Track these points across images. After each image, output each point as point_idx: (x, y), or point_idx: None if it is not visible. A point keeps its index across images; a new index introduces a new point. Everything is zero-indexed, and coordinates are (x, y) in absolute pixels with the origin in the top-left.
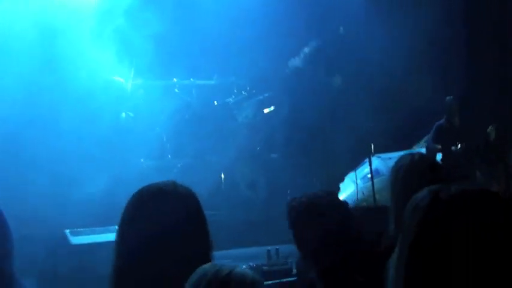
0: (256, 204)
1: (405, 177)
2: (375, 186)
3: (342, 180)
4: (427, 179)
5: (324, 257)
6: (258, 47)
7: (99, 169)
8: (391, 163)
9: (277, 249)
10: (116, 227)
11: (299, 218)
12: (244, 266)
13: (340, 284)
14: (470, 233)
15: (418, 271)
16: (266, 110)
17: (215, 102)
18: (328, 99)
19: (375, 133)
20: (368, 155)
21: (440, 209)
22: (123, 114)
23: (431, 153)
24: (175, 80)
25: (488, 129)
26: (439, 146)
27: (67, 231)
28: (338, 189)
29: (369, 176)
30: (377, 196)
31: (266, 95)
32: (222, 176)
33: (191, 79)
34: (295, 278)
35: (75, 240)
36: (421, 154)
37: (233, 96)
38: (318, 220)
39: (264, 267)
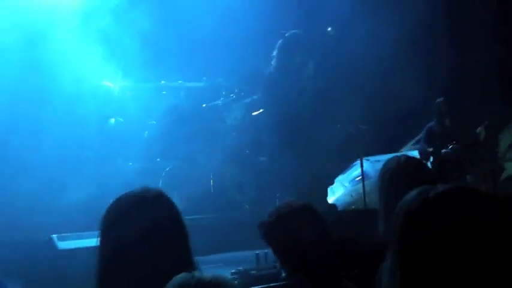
0: (245, 207)
1: (392, 180)
2: (364, 189)
3: (330, 181)
4: (414, 181)
5: (305, 266)
6: (246, 47)
7: (86, 173)
8: (380, 166)
9: (266, 252)
10: None
11: (277, 229)
12: (232, 271)
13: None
14: (462, 233)
15: (413, 274)
16: (255, 113)
17: (204, 105)
18: (314, 100)
19: (367, 136)
20: (360, 157)
21: (430, 209)
22: (112, 119)
23: (424, 155)
24: (163, 82)
25: (478, 129)
26: (431, 149)
27: (54, 236)
28: (325, 190)
29: (357, 179)
30: (366, 199)
31: (255, 97)
32: (211, 178)
33: (179, 81)
34: (284, 283)
35: (62, 245)
36: (407, 156)
37: (222, 99)
38: (296, 229)
39: (252, 272)
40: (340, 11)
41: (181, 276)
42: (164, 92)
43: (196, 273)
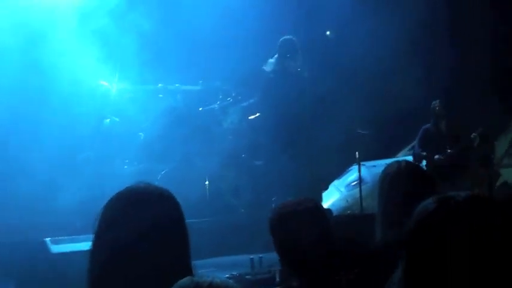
0: (241, 211)
1: (392, 185)
2: (360, 194)
3: (325, 185)
4: (414, 187)
5: (305, 265)
6: (245, 50)
7: (82, 175)
8: (376, 171)
9: (260, 257)
10: None
11: (279, 227)
12: (227, 275)
13: None
14: (483, 242)
15: (429, 282)
16: (252, 117)
17: (200, 108)
18: (312, 102)
19: (364, 141)
20: (357, 162)
21: (452, 218)
22: (108, 120)
23: (418, 159)
24: (160, 85)
25: (472, 136)
26: (425, 153)
27: (47, 239)
28: (320, 195)
29: (353, 184)
30: (363, 204)
31: (252, 100)
32: (207, 182)
33: (176, 84)
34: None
35: (56, 248)
36: (407, 162)
37: (218, 102)
38: (298, 228)
39: (247, 276)
40: (340, 11)
41: (180, 282)
42: (161, 95)
43: (195, 278)
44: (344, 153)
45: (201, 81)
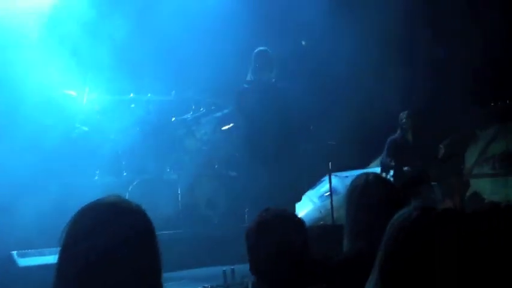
0: (215, 222)
1: (360, 198)
2: (333, 205)
3: (298, 197)
4: (381, 200)
5: (278, 278)
6: (218, 61)
7: (49, 187)
8: (348, 181)
9: (232, 269)
10: None
11: (252, 239)
12: None
13: None
14: (464, 245)
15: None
16: (225, 127)
17: (173, 118)
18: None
19: (335, 152)
20: (328, 173)
21: (432, 223)
22: (79, 132)
23: (386, 168)
24: (132, 95)
25: (440, 147)
26: (393, 164)
27: (14, 252)
28: (294, 206)
29: (326, 194)
30: (334, 214)
31: (226, 111)
32: (179, 193)
33: (149, 94)
34: None
35: (23, 262)
36: (375, 174)
37: (191, 112)
38: (271, 239)
39: None
40: (315, 19)
41: None
42: (133, 105)
43: None
44: (318, 163)
45: (173, 92)
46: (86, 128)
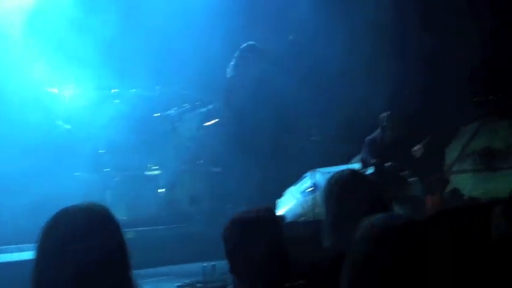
0: (197, 219)
1: (338, 194)
2: (315, 201)
3: (283, 191)
4: (359, 196)
5: (255, 275)
6: (204, 56)
7: (30, 183)
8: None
9: (213, 265)
10: None
11: (230, 236)
12: (178, 284)
13: None
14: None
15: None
16: (209, 123)
17: (157, 114)
18: (272, 109)
19: (321, 147)
20: (312, 169)
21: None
22: (61, 128)
23: (367, 166)
24: (115, 90)
25: (416, 148)
26: (373, 160)
27: None
28: (274, 202)
29: (308, 190)
30: (316, 210)
31: (210, 106)
32: (162, 189)
33: (133, 90)
34: None
35: (1, 258)
36: (353, 171)
37: (175, 108)
38: (249, 237)
39: (199, 285)
40: (303, 14)
41: None
42: (117, 100)
43: None
44: (300, 159)
45: (158, 87)
46: (68, 126)
